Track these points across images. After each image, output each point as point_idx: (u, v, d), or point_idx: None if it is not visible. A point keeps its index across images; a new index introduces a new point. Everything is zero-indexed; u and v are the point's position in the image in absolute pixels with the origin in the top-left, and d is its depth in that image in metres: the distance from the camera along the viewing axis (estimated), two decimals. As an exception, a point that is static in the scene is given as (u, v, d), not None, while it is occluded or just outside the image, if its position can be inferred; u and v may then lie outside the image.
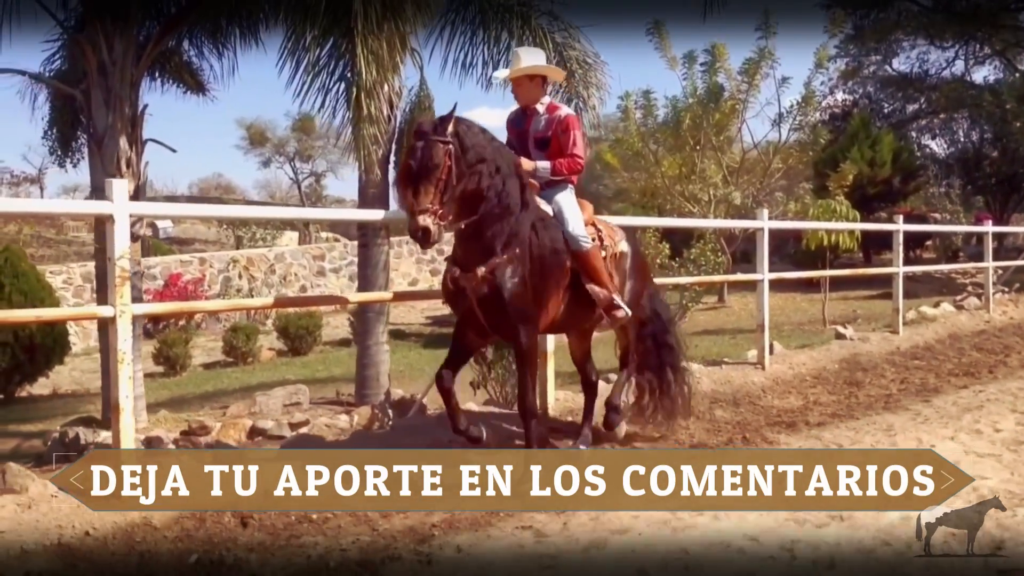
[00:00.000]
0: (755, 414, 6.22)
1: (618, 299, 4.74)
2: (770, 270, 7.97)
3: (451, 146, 4.00)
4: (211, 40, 10.27)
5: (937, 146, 33.64)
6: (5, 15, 8.62)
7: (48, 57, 10.36)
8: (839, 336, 9.44)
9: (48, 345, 13.08)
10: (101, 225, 8.68)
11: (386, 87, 8.52)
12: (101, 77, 8.82)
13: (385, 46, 8.13)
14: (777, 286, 9.08)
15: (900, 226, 10.44)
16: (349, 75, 8.19)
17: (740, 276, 10.91)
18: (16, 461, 7.06)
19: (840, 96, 31.24)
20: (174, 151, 10.64)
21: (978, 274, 16.86)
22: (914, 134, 32.08)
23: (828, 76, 24.33)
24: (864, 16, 27.17)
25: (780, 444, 5.28)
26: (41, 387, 13.79)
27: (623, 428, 5.23)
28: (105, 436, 7.46)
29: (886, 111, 31.41)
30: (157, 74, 10.58)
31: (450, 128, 4.04)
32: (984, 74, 31.77)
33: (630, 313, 4.84)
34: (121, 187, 3.97)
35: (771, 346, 8.12)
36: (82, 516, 3.73)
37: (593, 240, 4.68)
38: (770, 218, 8.15)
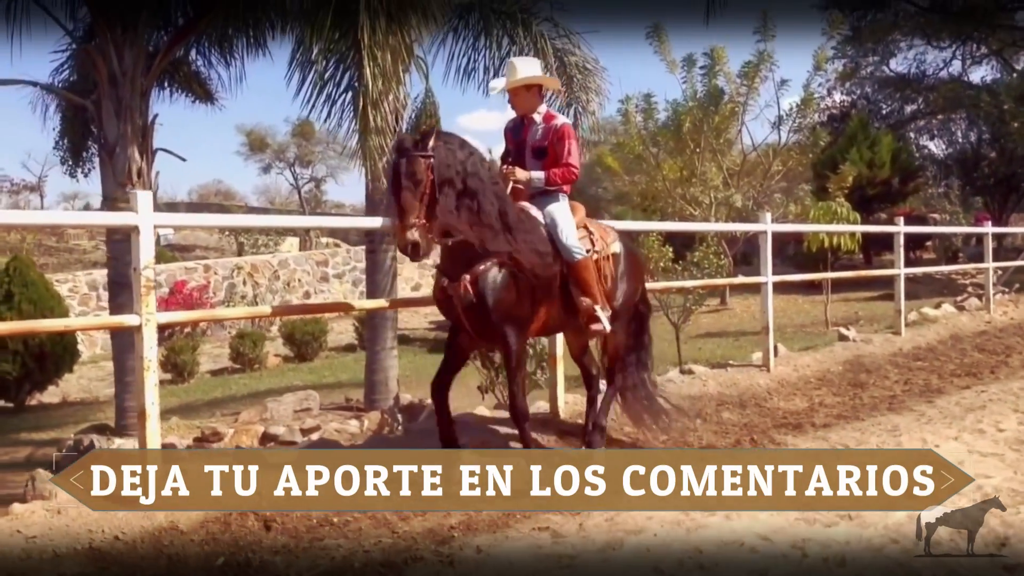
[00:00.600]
0: (762, 416, 6.30)
1: (600, 312, 4.68)
2: (772, 272, 8.05)
3: (432, 160, 4.08)
4: (219, 49, 10.35)
5: (935, 147, 33.74)
6: (15, 26, 8.72)
7: (57, 67, 10.50)
8: (842, 338, 9.51)
9: (58, 353, 13.18)
10: (114, 235, 8.80)
11: (391, 97, 8.60)
12: (111, 87, 8.90)
13: (390, 57, 8.21)
14: (779, 288, 9.14)
15: (901, 228, 10.50)
16: (356, 85, 8.27)
17: (744, 279, 10.99)
18: (31, 469, 7.17)
19: (838, 97, 31.34)
20: (183, 160, 10.77)
21: (978, 275, 16.95)
22: (912, 135, 32.14)
23: (826, 77, 24.56)
24: (861, 17, 27.29)
25: (788, 446, 5.37)
26: (51, 395, 13.88)
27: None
28: (120, 443, 7.56)
29: (884, 112, 31.47)
30: (166, 84, 10.70)
31: (431, 143, 4.11)
32: (981, 74, 31.95)
33: (608, 328, 4.74)
34: (146, 199, 4.06)
35: (775, 348, 8.20)
36: (111, 521, 3.80)
37: (588, 250, 4.71)
38: (770, 220, 8.23)
